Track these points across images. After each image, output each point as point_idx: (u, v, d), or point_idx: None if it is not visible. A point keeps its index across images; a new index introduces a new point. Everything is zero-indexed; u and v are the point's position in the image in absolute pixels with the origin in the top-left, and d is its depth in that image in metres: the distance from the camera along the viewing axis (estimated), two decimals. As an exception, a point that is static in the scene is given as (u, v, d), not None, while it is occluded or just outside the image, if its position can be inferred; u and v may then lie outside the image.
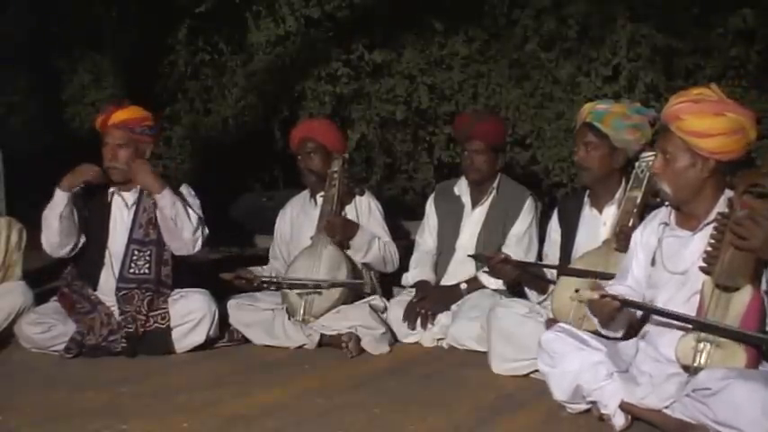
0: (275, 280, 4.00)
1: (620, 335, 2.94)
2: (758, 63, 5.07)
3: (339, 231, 4.00)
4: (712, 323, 2.58)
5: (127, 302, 3.72)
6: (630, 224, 3.24)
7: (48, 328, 3.64)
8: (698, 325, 2.62)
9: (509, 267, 3.58)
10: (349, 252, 4.03)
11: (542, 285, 3.63)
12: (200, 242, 3.81)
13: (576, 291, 3.02)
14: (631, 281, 2.96)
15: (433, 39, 5.82)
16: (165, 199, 3.73)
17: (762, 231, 2.51)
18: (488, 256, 3.67)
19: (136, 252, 3.80)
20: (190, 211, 3.79)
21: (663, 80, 5.09)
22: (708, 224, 2.73)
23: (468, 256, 3.85)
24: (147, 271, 3.78)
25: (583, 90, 5.19)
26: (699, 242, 2.73)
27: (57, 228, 3.72)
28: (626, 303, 2.80)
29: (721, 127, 2.67)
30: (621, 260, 3.19)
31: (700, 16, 5.06)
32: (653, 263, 2.88)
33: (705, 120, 2.67)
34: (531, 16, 5.43)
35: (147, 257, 3.79)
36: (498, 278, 3.78)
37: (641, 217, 3.27)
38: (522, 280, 3.68)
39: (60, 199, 3.71)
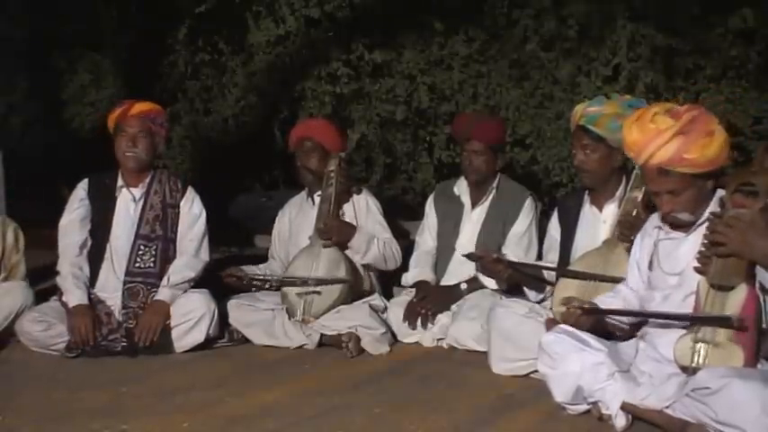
0: (267, 278, 4.02)
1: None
2: (758, 63, 5.06)
3: (335, 234, 3.99)
4: (682, 315, 2.66)
5: (132, 298, 3.75)
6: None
7: (48, 327, 3.65)
8: (673, 318, 2.71)
9: (501, 267, 3.58)
10: (348, 252, 4.03)
11: (539, 284, 3.63)
12: None
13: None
14: (627, 291, 3.00)
15: (432, 39, 5.82)
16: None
17: (737, 234, 2.52)
18: (480, 255, 3.65)
19: (142, 247, 3.84)
20: None
21: (663, 80, 5.09)
22: (700, 224, 2.73)
23: (462, 255, 3.82)
24: (152, 265, 3.82)
25: (583, 90, 5.19)
26: (693, 243, 2.74)
27: None
28: (589, 312, 2.85)
29: (721, 140, 2.66)
30: (622, 260, 3.20)
31: (700, 16, 5.05)
32: (650, 266, 2.89)
33: (710, 146, 2.63)
34: (531, 16, 5.43)
35: (153, 252, 3.84)
36: (491, 278, 3.79)
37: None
38: (519, 279, 3.68)
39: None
